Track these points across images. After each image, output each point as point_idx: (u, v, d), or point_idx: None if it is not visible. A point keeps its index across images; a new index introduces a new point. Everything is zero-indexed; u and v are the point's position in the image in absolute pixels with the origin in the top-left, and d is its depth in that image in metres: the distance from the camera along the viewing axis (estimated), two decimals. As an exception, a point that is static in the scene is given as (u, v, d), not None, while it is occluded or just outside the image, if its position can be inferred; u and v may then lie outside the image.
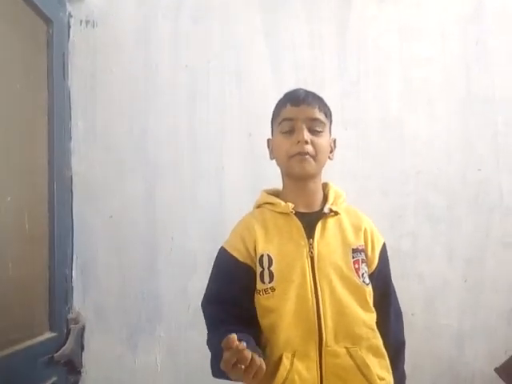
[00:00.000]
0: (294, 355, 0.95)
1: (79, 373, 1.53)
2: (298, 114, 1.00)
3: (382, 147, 1.60)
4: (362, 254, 1.01)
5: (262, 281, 0.98)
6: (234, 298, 0.99)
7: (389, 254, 1.55)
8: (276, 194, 1.08)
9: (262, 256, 0.99)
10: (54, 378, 1.45)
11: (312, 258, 0.97)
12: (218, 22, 1.63)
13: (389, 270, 1.09)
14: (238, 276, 1.00)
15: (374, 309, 1.01)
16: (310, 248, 0.98)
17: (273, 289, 0.97)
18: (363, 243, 1.03)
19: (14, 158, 1.30)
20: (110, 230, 1.54)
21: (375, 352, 0.99)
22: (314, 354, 0.95)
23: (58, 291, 1.49)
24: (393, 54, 1.63)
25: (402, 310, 1.55)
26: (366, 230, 1.05)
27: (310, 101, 1.01)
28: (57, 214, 1.48)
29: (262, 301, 0.99)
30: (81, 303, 1.53)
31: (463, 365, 1.59)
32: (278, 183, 1.52)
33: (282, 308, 0.96)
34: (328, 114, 1.06)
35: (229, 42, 1.62)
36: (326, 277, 0.97)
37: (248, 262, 1.00)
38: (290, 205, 1.01)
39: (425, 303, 1.59)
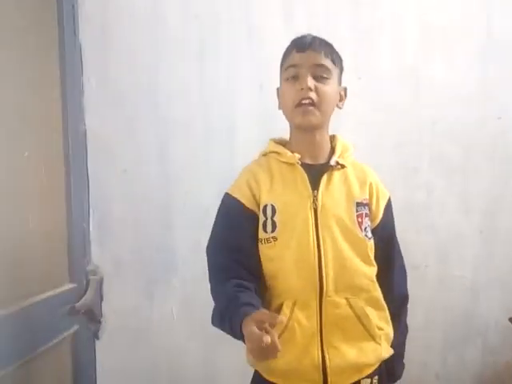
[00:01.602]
0: (294, 304, 0.96)
1: (99, 322, 1.59)
2: (303, 60, 0.98)
3: (396, 97, 1.56)
4: (366, 207, 1.01)
5: (265, 230, 0.99)
6: (239, 244, 0.99)
7: (403, 206, 1.56)
8: (283, 143, 1.07)
9: (266, 206, 0.99)
10: (76, 327, 1.51)
11: (315, 210, 0.97)
12: (228, -29, 1.59)
13: (393, 225, 1.09)
14: (243, 221, 1.00)
15: (374, 262, 1.01)
16: (313, 199, 0.97)
17: (275, 238, 0.98)
18: (368, 197, 1.02)
19: (28, 114, 1.31)
20: (125, 184, 1.56)
21: (375, 304, 1.00)
22: (315, 303, 0.96)
23: (77, 244, 1.52)
24: (408, 1, 1.57)
25: (416, 262, 1.57)
26: (371, 184, 1.04)
27: (315, 46, 0.99)
28: (72, 169, 1.50)
29: (264, 250, 1.00)
30: (99, 256, 1.57)
31: (477, 316, 1.60)
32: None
33: (283, 257, 0.97)
34: (337, 61, 1.03)
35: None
36: (329, 228, 0.97)
37: (254, 208, 1.00)
38: (297, 155, 1.00)
39: (439, 255, 1.58)
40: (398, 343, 1.08)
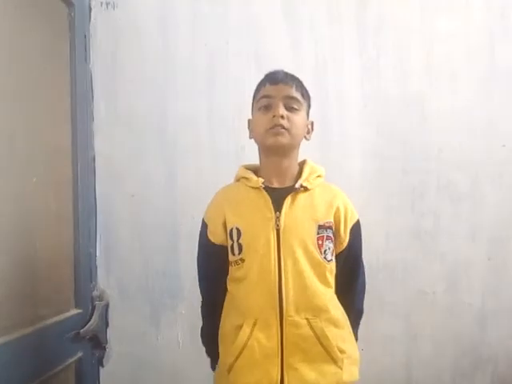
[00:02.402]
0: (255, 323, 1.00)
1: (104, 348, 1.57)
2: (276, 92, 1.05)
3: (402, 124, 1.58)
4: (329, 230, 1.04)
5: (233, 253, 1.04)
6: (215, 273, 1.09)
7: (411, 232, 1.57)
8: (255, 169, 1.12)
9: (232, 229, 1.04)
10: (80, 353, 1.49)
11: (278, 231, 1.01)
12: (236, 1, 1.62)
13: (360, 246, 1.12)
14: (214, 254, 1.09)
15: (332, 284, 1.05)
16: (276, 221, 1.01)
17: (242, 260, 1.03)
18: (332, 220, 1.05)
19: (38, 139, 1.32)
20: (132, 210, 1.57)
21: (335, 323, 1.03)
22: (275, 323, 0.99)
23: (83, 269, 1.52)
24: (414, 28, 1.60)
25: (424, 289, 1.56)
26: (338, 207, 1.07)
27: (287, 80, 1.06)
28: (81, 194, 1.50)
29: (233, 272, 1.06)
30: (105, 281, 1.57)
31: (486, 345, 1.58)
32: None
33: (247, 278, 1.02)
34: (305, 95, 1.10)
35: (247, 21, 1.62)
36: (291, 249, 1.01)
37: (220, 242, 1.07)
38: (260, 180, 1.05)
39: (447, 282, 1.57)
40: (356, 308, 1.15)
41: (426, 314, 1.56)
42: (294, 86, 1.07)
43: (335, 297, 1.07)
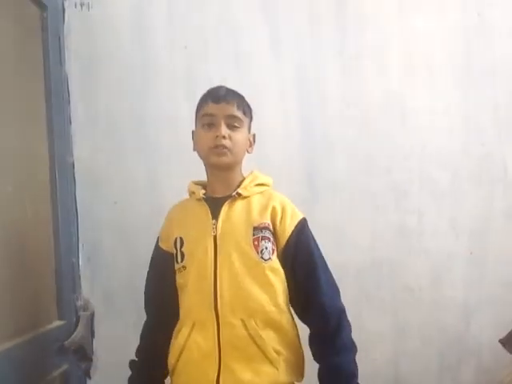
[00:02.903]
0: (193, 325, 1.06)
1: (91, 360, 1.53)
2: (218, 111, 1.09)
3: (384, 124, 1.60)
4: (265, 231, 1.07)
5: (177, 261, 1.11)
6: (161, 287, 1.15)
7: (395, 230, 1.59)
8: (203, 183, 1.19)
9: (176, 239, 1.12)
10: (66, 366, 1.45)
11: (215, 237, 1.07)
12: (215, 1, 1.60)
13: (310, 244, 1.11)
14: (162, 263, 1.16)
15: (276, 283, 1.06)
16: (213, 228, 1.08)
17: (184, 267, 1.09)
18: (269, 221, 1.09)
19: (13, 146, 1.27)
20: (115, 216, 1.53)
21: (273, 325, 1.05)
22: (212, 325, 1.03)
23: (66, 279, 1.48)
24: (392, 29, 1.62)
25: (410, 286, 1.59)
26: (274, 207, 1.10)
27: (229, 99, 1.10)
28: (60, 202, 1.46)
29: (178, 279, 1.12)
30: (89, 290, 1.53)
31: (470, 337, 1.62)
32: (276, 163, 1.52)
33: (187, 283, 1.08)
34: (247, 111, 1.15)
35: (226, 22, 1.59)
36: (227, 254, 1.06)
37: (169, 249, 1.15)
38: (202, 191, 1.13)
39: (432, 278, 1.61)
40: (341, 362, 1.05)
41: (413, 309, 1.59)
42: (236, 105, 1.11)
43: (280, 298, 1.07)
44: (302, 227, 1.11)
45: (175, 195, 1.55)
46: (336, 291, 1.12)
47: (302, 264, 1.09)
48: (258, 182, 1.15)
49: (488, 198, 1.61)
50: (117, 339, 1.53)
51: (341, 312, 1.10)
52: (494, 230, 1.60)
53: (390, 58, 1.62)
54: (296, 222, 1.11)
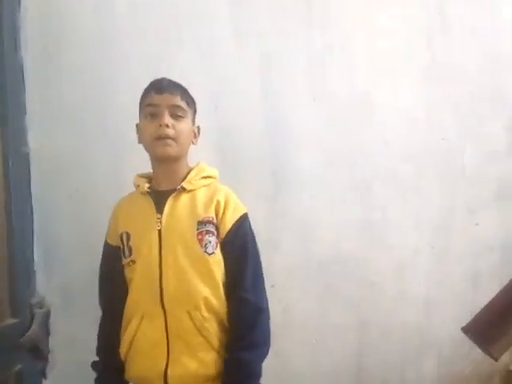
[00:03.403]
0: (142, 317, 1.09)
1: (46, 359, 1.47)
2: (161, 101, 1.11)
3: (349, 118, 1.61)
4: (209, 225, 1.10)
5: (124, 256, 1.13)
6: (112, 280, 1.17)
7: (359, 225, 1.60)
8: (148, 176, 1.20)
9: (122, 234, 1.14)
10: (19, 365, 1.39)
11: (160, 231, 1.09)
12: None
13: (247, 241, 1.14)
14: (110, 258, 1.18)
15: (217, 275, 1.09)
16: (158, 222, 1.09)
17: (133, 261, 1.11)
18: (213, 215, 1.11)
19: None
20: (74, 208, 1.48)
21: (216, 316, 1.09)
22: (160, 317, 1.07)
23: (20, 275, 1.41)
24: (358, 25, 1.63)
25: (373, 280, 1.61)
26: (218, 201, 1.13)
27: (171, 89, 1.12)
28: (14, 194, 1.39)
29: (127, 273, 1.14)
30: (45, 286, 1.46)
31: (431, 331, 1.65)
32: (241, 156, 1.50)
33: (135, 277, 1.11)
34: (190, 103, 1.17)
35: (189, 11, 1.55)
36: (171, 247, 1.08)
37: (116, 244, 1.17)
38: (146, 185, 1.13)
39: (394, 272, 1.63)
40: (246, 360, 1.06)
41: (374, 303, 1.61)
42: (179, 95, 1.13)
43: (221, 290, 1.10)
44: (242, 222, 1.14)
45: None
46: (260, 291, 1.13)
47: (235, 258, 1.11)
48: (203, 175, 1.16)
49: (450, 193, 1.64)
50: (75, 336, 1.48)
51: (259, 311, 1.10)
52: (456, 225, 1.64)
53: (356, 53, 1.63)
54: (237, 217, 1.13)
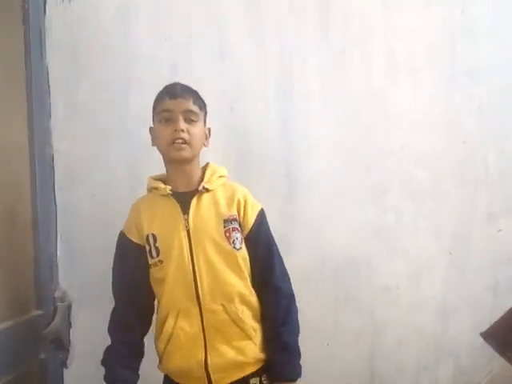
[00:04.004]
0: (177, 314, 1.13)
1: (67, 350, 1.54)
2: (175, 106, 1.15)
3: (365, 121, 1.59)
4: (234, 222, 1.16)
5: (151, 256, 1.16)
6: (132, 279, 1.18)
7: (373, 228, 1.58)
8: (162, 178, 1.24)
9: (148, 236, 1.17)
10: (43, 355, 1.46)
11: (188, 231, 1.14)
12: (200, -5, 1.59)
13: (268, 234, 1.22)
14: (134, 255, 1.19)
15: (245, 269, 1.16)
16: (185, 222, 1.14)
17: (161, 261, 1.15)
18: (236, 213, 1.17)
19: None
20: (94, 208, 1.53)
21: (249, 307, 1.16)
22: (195, 312, 1.12)
23: (44, 270, 1.49)
24: (376, 26, 1.61)
25: (387, 285, 1.59)
26: (239, 200, 1.19)
27: (185, 95, 1.17)
28: (39, 193, 1.47)
29: (154, 274, 1.17)
30: (67, 282, 1.53)
31: (448, 338, 1.61)
32: (256, 158, 1.51)
33: (167, 276, 1.14)
34: (202, 106, 1.21)
35: (210, 15, 1.58)
36: (201, 245, 1.13)
37: (141, 242, 1.19)
38: (168, 187, 1.17)
39: (410, 278, 1.60)
40: (290, 342, 1.16)
41: (390, 308, 1.59)
42: (192, 100, 1.17)
43: (249, 282, 1.17)
44: (262, 217, 1.21)
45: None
46: (287, 277, 1.22)
47: (261, 252, 1.18)
48: (219, 175, 1.22)
49: (470, 198, 1.59)
50: (93, 330, 1.54)
51: (292, 297, 1.20)
52: (475, 231, 1.59)
53: (373, 56, 1.61)
54: (257, 213, 1.20)
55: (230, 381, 1.13)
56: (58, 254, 1.53)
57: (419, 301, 1.59)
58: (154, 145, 1.24)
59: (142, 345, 1.22)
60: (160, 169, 1.56)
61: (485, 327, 1.58)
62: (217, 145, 1.56)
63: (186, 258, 1.13)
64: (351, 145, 1.59)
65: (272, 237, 1.22)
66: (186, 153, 1.16)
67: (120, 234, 1.23)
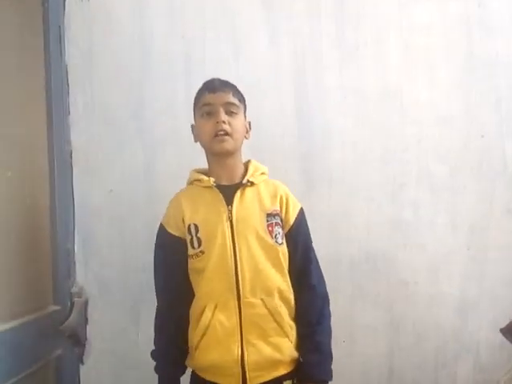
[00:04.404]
0: (215, 306, 1.11)
1: (84, 345, 1.55)
2: (215, 100, 1.17)
3: (381, 115, 1.58)
4: (277, 217, 1.17)
5: (193, 246, 1.16)
6: (173, 270, 1.17)
7: (391, 223, 1.58)
8: (205, 171, 1.24)
9: (190, 225, 1.16)
10: (60, 351, 1.47)
11: (231, 222, 1.14)
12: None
13: (307, 231, 1.23)
14: (174, 248, 1.18)
15: (285, 265, 1.16)
16: (229, 213, 1.14)
17: (202, 252, 1.14)
18: (278, 208, 1.18)
19: (12, 133, 1.30)
20: (111, 204, 1.55)
21: (286, 303, 1.15)
22: (234, 304, 1.11)
23: (61, 265, 1.50)
24: (392, 21, 1.60)
25: (405, 280, 1.58)
26: (281, 196, 1.20)
27: (224, 88, 1.19)
28: (57, 189, 1.48)
29: (194, 264, 1.16)
30: (83, 277, 1.54)
31: (467, 334, 1.59)
32: (273, 153, 1.51)
33: (207, 267, 1.13)
34: (241, 99, 1.23)
35: (225, 11, 1.60)
36: (244, 237, 1.13)
37: (179, 234, 1.18)
38: (212, 179, 1.18)
39: (428, 272, 1.58)
40: (323, 343, 1.14)
41: (408, 304, 1.57)
42: (231, 92, 1.19)
43: (288, 277, 1.16)
44: (302, 216, 1.22)
45: (171, 183, 1.57)
46: (323, 279, 1.21)
47: (300, 249, 1.18)
48: (261, 172, 1.23)
49: (488, 192, 1.57)
50: (110, 325, 1.55)
51: (325, 297, 1.19)
52: (494, 225, 1.57)
53: (389, 48, 1.60)
54: (297, 211, 1.21)
55: (263, 380, 1.10)
56: (75, 249, 1.54)
57: (438, 296, 1.57)
58: (196, 141, 1.24)
59: (186, 339, 1.18)
60: (178, 164, 1.58)
61: (504, 323, 1.57)
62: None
63: (229, 249, 1.12)
64: (368, 140, 1.58)
65: (310, 236, 1.22)
66: (229, 145, 1.17)
67: (159, 227, 1.23)
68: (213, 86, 1.19)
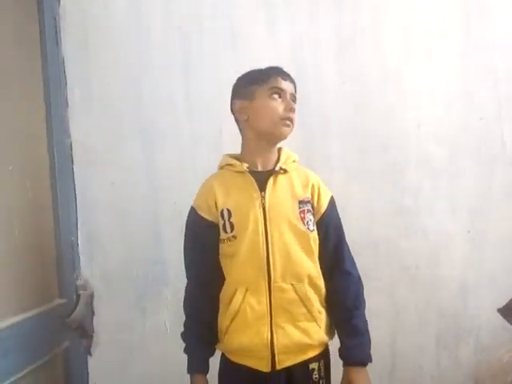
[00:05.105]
0: (246, 290, 1.12)
1: (91, 337, 1.56)
2: (287, 87, 1.17)
3: (381, 101, 1.58)
4: (308, 205, 1.17)
5: (225, 231, 1.16)
6: (203, 253, 1.18)
7: (392, 208, 1.59)
8: (237, 157, 1.23)
9: (223, 210, 1.16)
10: (67, 343, 1.49)
11: (264, 208, 1.14)
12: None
13: (338, 219, 1.24)
14: (206, 232, 1.18)
15: (316, 251, 1.17)
16: (262, 199, 1.14)
17: (234, 237, 1.15)
18: (310, 196, 1.19)
19: (12, 127, 1.30)
20: (113, 197, 1.55)
21: (316, 289, 1.16)
22: (264, 289, 1.12)
23: (66, 259, 1.51)
24: (390, 6, 1.59)
25: (407, 264, 1.59)
26: (313, 184, 1.21)
27: (292, 79, 1.21)
28: (59, 182, 1.49)
29: (225, 248, 1.16)
30: (88, 270, 1.55)
31: (468, 317, 1.61)
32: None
33: (239, 252, 1.13)
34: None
35: (222, 2, 1.58)
36: (276, 224, 1.13)
37: (212, 219, 1.18)
38: (245, 165, 1.17)
39: (429, 257, 1.60)
40: (361, 327, 1.16)
41: (410, 288, 1.59)
42: (294, 85, 1.20)
43: (318, 264, 1.17)
44: (333, 204, 1.23)
45: (171, 175, 1.57)
46: (355, 264, 1.23)
47: (332, 237, 1.19)
48: (292, 159, 1.23)
49: (487, 175, 1.58)
50: (116, 317, 1.56)
51: (359, 281, 1.21)
52: (493, 208, 1.58)
53: (387, 33, 1.60)
54: (329, 199, 1.21)
55: (291, 363, 1.12)
56: (78, 242, 1.54)
57: (439, 280, 1.59)
58: (244, 119, 1.20)
59: (216, 322, 1.18)
60: (178, 155, 1.57)
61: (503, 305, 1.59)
62: (232, 133, 1.57)
63: (261, 235, 1.12)
64: (367, 125, 1.58)
65: (341, 223, 1.23)
66: (289, 133, 1.18)
67: (190, 210, 1.21)
68: (285, 74, 1.19)
